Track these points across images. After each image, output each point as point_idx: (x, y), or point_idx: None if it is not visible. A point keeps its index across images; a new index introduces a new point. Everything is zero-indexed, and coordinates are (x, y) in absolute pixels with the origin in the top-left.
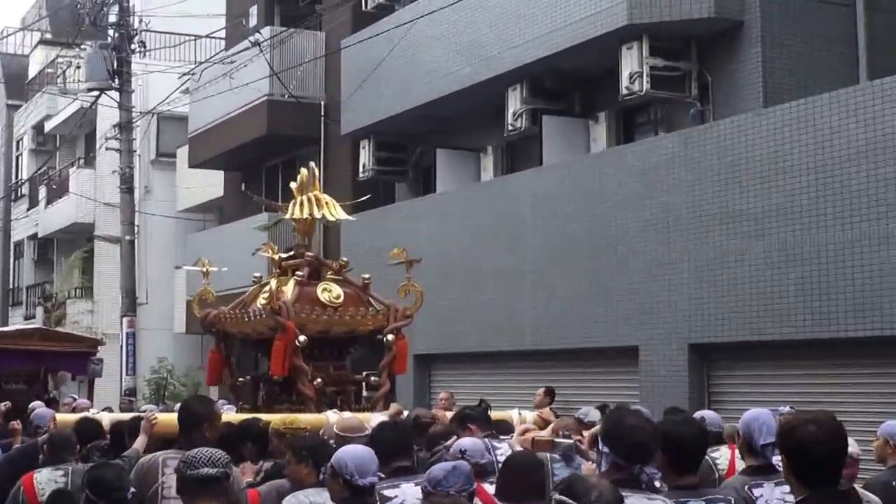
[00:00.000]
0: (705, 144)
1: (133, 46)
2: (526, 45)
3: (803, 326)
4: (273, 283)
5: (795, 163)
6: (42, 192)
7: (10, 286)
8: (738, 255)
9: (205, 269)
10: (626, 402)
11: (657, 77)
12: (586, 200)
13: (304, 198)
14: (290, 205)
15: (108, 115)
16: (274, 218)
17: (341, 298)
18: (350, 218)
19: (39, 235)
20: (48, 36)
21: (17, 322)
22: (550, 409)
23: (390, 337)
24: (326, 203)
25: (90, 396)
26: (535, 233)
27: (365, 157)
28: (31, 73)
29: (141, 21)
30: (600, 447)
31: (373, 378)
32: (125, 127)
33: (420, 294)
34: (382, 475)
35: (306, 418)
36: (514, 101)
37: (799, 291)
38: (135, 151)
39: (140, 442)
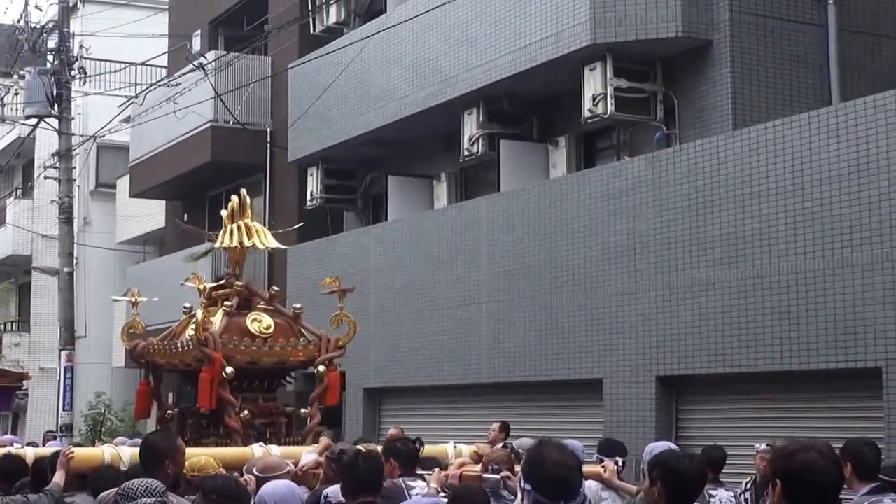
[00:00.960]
0: (674, 168)
1: (73, 72)
2: (483, 66)
3: (779, 358)
4: (199, 313)
5: (770, 186)
6: None
7: None
8: (708, 284)
9: (133, 300)
10: (567, 436)
11: (621, 99)
12: (546, 227)
13: (234, 226)
14: (220, 233)
15: (46, 144)
16: (205, 248)
17: (271, 329)
18: (280, 246)
19: None
20: None
21: None
22: (504, 445)
23: (321, 368)
24: (257, 231)
25: (14, 431)
26: (492, 261)
27: (313, 184)
28: None
29: (81, 47)
30: (522, 484)
31: (302, 410)
32: (64, 155)
33: (353, 324)
34: None
35: (230, 452)
36: (471, 126)
37: (774, 321)
38: (74, 181)
39: (59, 477)
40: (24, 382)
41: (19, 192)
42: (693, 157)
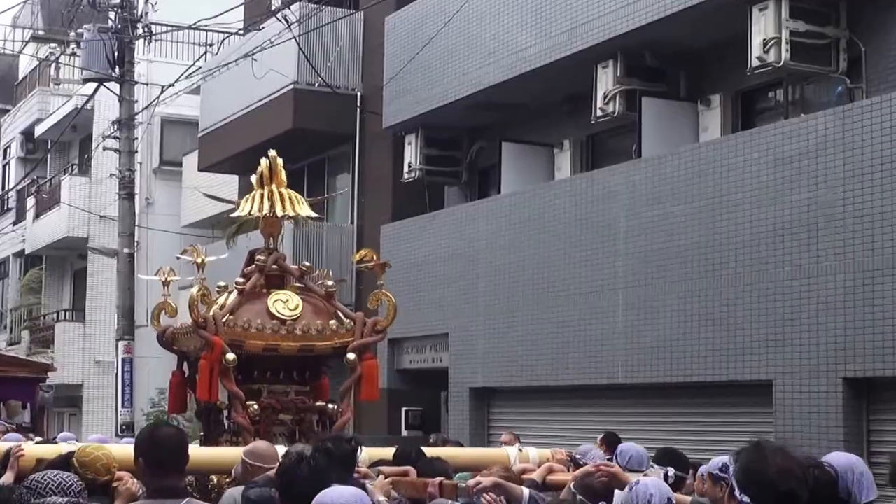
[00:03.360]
0: (870, 125)
1: (137, 32)
2: (621, 10)
3: None
4: (195, 290)
5: None
6: (30, 203)
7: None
8: None
9: (165, 279)
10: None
11: (797, 45)
12: (700, 199)
13: (260, 192)
14: (244, 200)
15: (106, 115)
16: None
17: (299, 309)
18: (313, 214)
19: (27, 252)
20: (40, 32)
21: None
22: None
23: (351, 356)
24: (290, 198)
25: (36, 427)
26: (631, 240)
27: (411, 154)
28: (21, 73)
29: (147, 2)
30: (738, 495)
31: (330, 406)
32: (126, 124)
33: (394, 305)
34: None
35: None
36: (605, 82)
37: None
38: (136, 153)
39: (7, 478)
40: (49, 374)
41: (75, 168)
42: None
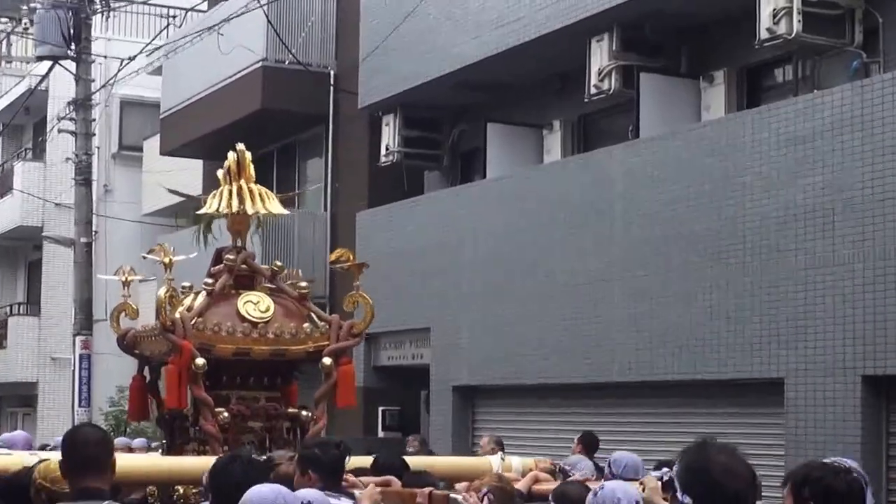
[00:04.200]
0: (890, 101)
1: (94, 4)
2: None
3: None
4: (162, 291)
5: None
6: None
7: None
8: None
9: (125, 279)
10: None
11: (809, 16)
12: (705, 182)
13: (228, 188)
14: (210, 196)
15: (61, 97)
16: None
17: (270, 311)
18: (284, 212)
19: None
20: None
21: None
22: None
23: (327, 361)
24: (260, 194)
25: None
26: (629, 227)
27: (388, 136)
28: None
29: None
30: (679, 496)
31: (304, 412)
32: (82, 104)
33: (371, 307)
34: None
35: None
36: (600, 56)
37: None
38: (93, 135)
39: None
40: None
41: (29, 153)
42: None
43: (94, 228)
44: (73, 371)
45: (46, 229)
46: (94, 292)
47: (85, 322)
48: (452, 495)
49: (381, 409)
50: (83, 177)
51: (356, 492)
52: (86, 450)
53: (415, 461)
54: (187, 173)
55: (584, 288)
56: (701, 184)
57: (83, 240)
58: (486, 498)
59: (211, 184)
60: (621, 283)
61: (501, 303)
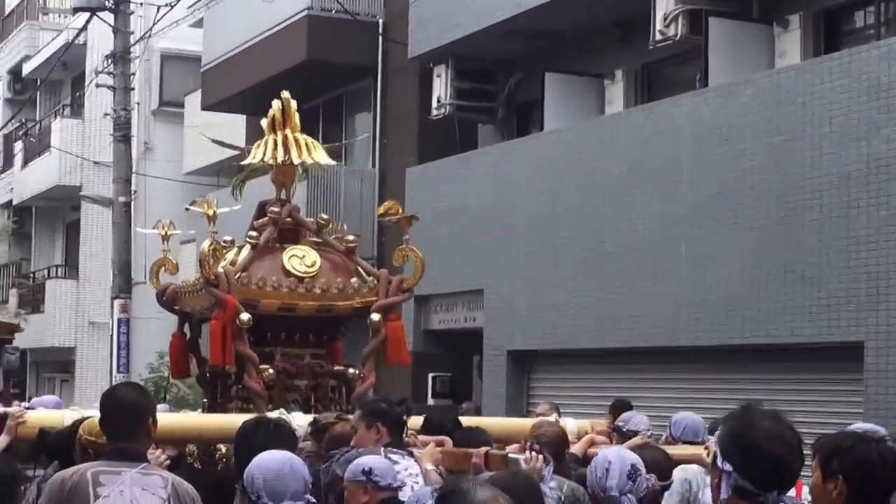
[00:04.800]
0: None
1: None
2: None
3: None
4: (205, 244)
5: None
6: (18, 148)
7: None
8: None
9: (164, 233)
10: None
11: None
12: (778, 133)
13: (273, 138)
14: (255, 146)
15: (99, 50)
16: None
17: (316, 266)
18: (331, 162)
19: (14, 203)
20: None
21: None
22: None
23: (375, 317)
24: (306, 144)
25: (3, 394)
26: (696, 182)
27: (440, 88)
28: (7, 7)
29: None
30: (720, 464)
31: (350, 370)
32: (121, 58)
33: (421, 261)
34: (312, 499)
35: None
36: (666, 1)
37: None
38: (132, 89)
39: (3, 442)
40: (14, 335)
41: (66, 109)
42: None
43: (133, 188)
44: (112, 336)
45: (85, 189)
46: (133, 254)
47: (123, 285)
48: (511, 455)
49: (431, 375)
50: (122, 133)
51: (415, 451)
52: (121, 411)
53: (468, 421)
54: (230, 129)
55: (647, 248)
56: (774, 136)
57: (122, 199)
58: (532, 448)
59: (254, 139)
60: (687, 243)
61: (559, 264)
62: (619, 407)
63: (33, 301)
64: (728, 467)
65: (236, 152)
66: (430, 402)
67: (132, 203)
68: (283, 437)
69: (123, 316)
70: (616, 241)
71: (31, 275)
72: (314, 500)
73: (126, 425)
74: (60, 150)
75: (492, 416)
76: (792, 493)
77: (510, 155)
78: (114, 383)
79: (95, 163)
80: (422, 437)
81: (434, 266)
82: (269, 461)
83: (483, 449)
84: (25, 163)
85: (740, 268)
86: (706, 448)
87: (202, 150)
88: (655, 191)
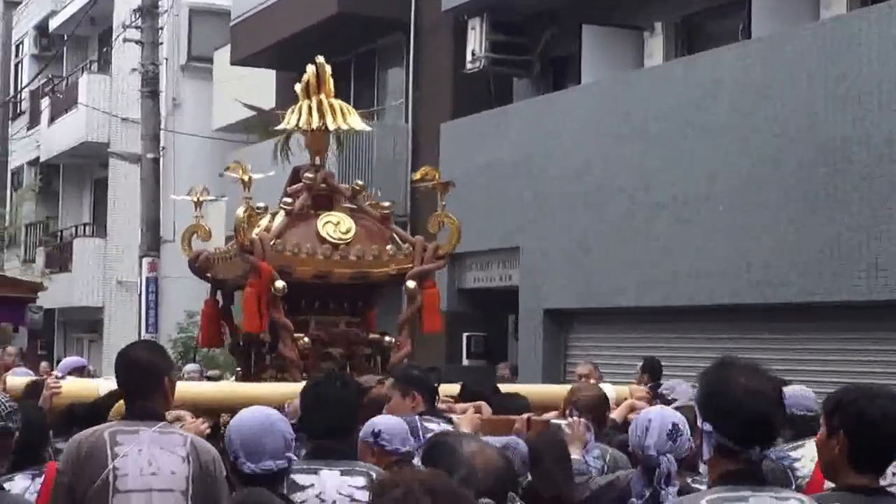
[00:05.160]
0: None
1: None
2: None
3: None
4: (240, 210)
5: None
6: (45, 104)
7: (6, 224)
8: None
9: (197, 199)
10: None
11: None
12: (827, 85)
13: (307, 103)
14: (289, 111)
15: (127, 4)
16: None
17: (351, 233)
18: (366, 128)
19: (42, 160)
20: None
21: (14, 267)
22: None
23: (411, 284)
24: (341, 109)
25: (28, 354)
26: (736, 137)
27: (474, 41)
28: None
29: None
30: (699, 424)
31: (386, 338)
32: (149, 11)
33: (458, 228)
34: (294, 457)
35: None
36: None
37: None
38: (160, 44)
39: None
40: (38, 294)
41: (94, 65)
42: None
43: (161, 144)
44: (140, 295)
45: (113, 146)
46: (161, 212)
47: (152, 243)
48: (553, 420)
49: (465, 335)
50: (150, 88)
51: (454, 416)
52: (136, 370)
53: (503, 388)
54: (259, 84)
55: (687, 205)
56: (820, 89)
57: (150, 156)
58: (573, 412)
59: (284, 94)
60: (729, 200)
61: (597, 221)
62: (651, 366)
63: (60, 260)
64: (708, 427)
65: (266, 109)
66: (465, 362)
67: (161, 160)
68: (352, 391)
69: (152, 275)
70: (656, 198)
71: (59, 233)
72: (296, 458)
73: (141, 385)
74: (88, 106)
75: (528, 377)
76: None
77: (547, 110)
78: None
79: (123, 119)
80: (460, 405)
81: (468, 224)
82: (247, 419)
83: (524, 415)
84: (52, 119)
85: (783, 225)
86: None
87: (231, 106)
88: (696, 146)
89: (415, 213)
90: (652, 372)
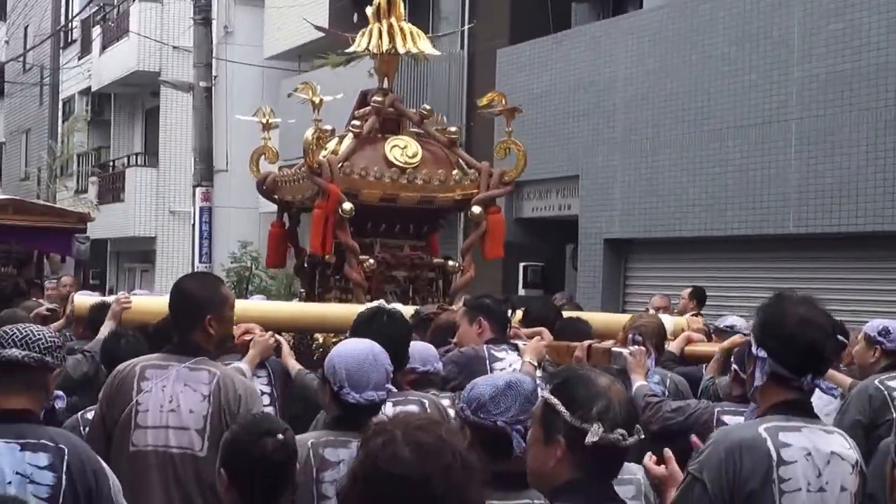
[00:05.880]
0: None
1: None
2: None
3: None
4: (309, 132)
5: None
6: (96, 33)
7: (58, 153)
8: None
9: (265, 121)
10: None
11: None
12: None
13: (378, 27)
14: (360, 34)
15: None
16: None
17: (418, 157)
18: (435, 52)
19: (93, 89)
20: None
21: (65, 197)
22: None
23: (477, 209)
24: (411, 33)
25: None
26: (808, 59)
27: None
28: None
29: None
30: (754, 351)
31: (451, 262)
32: None
33: (524, 154)
34: (392, 388)
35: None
36: None
37: None
38: None
39: (106, 328)
40: (87, 224)
41: None
42: None
43: (213, 73)
44: (193, 225)
45: (164, 74)
46: (214, 141)
47: (205, 172)
48: (615, 349)
49: (522, 264)
50: (202, 16)
51: (520, 343)
52: (181, 302)
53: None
54: (312, 9)
55: (754, 130)
56: (893, 9)
57: (203, 84)
58: (634, 339)
59: (337, 20)
60: (798, 124)
61: (658, 148)
62: (698, 294)
63: (113, 190)
64: (763, 354)
65: (318, 35)
66: (521, 292)
67: (213, 88)
68: (402, 324)
69: (205, 204)
70: (723, 123)
71: (111, 163)
72: (394, 389)
73: (182, 318)
74: (139, 34)
75: (587, 307)
76: None
77: (606, 34)
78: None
79: (174, 48)
80: (525, 331)
81: (527, 151)
82: (352, 351)
83: (585, 342)
84: (104, 48)
85: (854, 150)
86: None
87: (283, 34)
88: (764, 68)
89: (470, 142)
90: (699, 299)
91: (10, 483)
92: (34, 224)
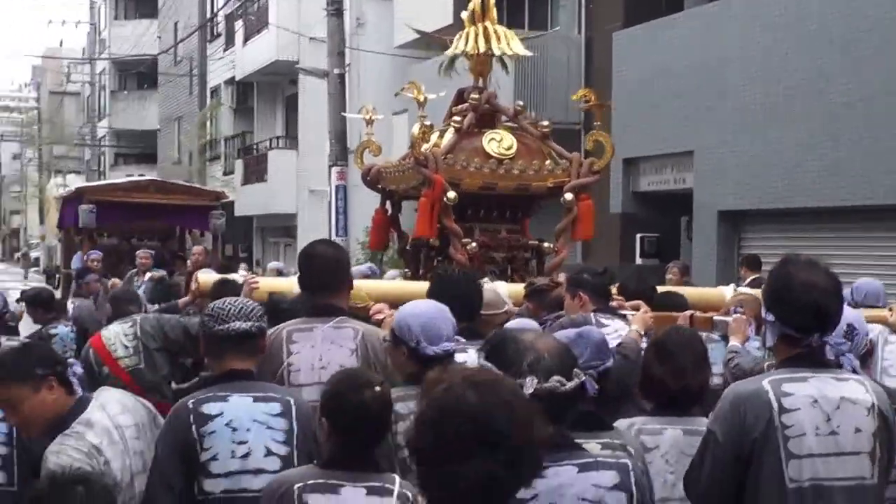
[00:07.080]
0: None
1: None
2: None
3: None
4: (415, 128)
5: None
6: (239, 26)
7: (208, 138)
8: None
9: (368, 117)
10: None
11: None
12: None
13: (473, 29)
14: (456, 38)
15: None
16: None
17: (513, 149)
18: (527, 53)
19: (237, 78)
20: None
21: (216, 178)
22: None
23: (569, 196)
24: (505, 35)
25: (215, 256)
26: None
27: None
28: None
29: None
30: (764, 314)
31: (546, 244)
32: None
33: (611, 146)
34: (461, 339)
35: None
36: None
37: None
38: None
39: None
40: (220, 201)
41: None
42: None
43: (346, 61)
44: (330, 202)
45: (301, 63)
46: (348, 124)
47: (340, 153)
48: (717, 318)
49: (638, 236)
50: (335, 7)
51: (627, 313)
52: (324, 265)
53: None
54: (437, 2)
55: (869, 103)
56: None
57: (336, 71)
58: (735, 310)
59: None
60: None
61: (771, 123)
62: (752, 261)
63: (257, 171)
64: (771, 317)
65: (444, 24)
66: (638, 261)
67: (346, 75)
68: (471, 287)
69: (340, 183)
70: (837, 97)
71: (255, 146)
72: (463, 340)
73: (328, 281)
74: (278, 26)
75: (702, 277)
76: None
77: (720, 14)
78: None
79: (311, 38)
80: (630, 303)
81: (642, 129)
82: (423, 309)
83: (688, 312)
84: (246, 40)
85: None
86: (891, 309)
87: (411, 24)
88: (882, 43)
89: (588, 122)
90: (750, 265)
91: (248, 430)
92: (173, 202)
